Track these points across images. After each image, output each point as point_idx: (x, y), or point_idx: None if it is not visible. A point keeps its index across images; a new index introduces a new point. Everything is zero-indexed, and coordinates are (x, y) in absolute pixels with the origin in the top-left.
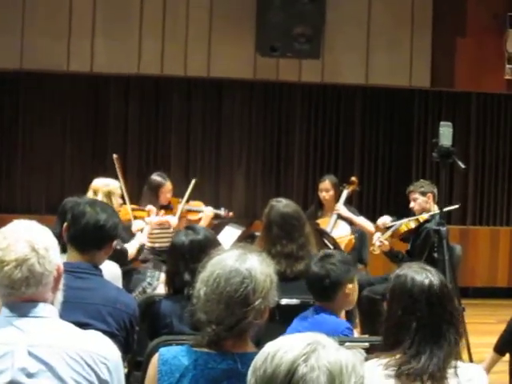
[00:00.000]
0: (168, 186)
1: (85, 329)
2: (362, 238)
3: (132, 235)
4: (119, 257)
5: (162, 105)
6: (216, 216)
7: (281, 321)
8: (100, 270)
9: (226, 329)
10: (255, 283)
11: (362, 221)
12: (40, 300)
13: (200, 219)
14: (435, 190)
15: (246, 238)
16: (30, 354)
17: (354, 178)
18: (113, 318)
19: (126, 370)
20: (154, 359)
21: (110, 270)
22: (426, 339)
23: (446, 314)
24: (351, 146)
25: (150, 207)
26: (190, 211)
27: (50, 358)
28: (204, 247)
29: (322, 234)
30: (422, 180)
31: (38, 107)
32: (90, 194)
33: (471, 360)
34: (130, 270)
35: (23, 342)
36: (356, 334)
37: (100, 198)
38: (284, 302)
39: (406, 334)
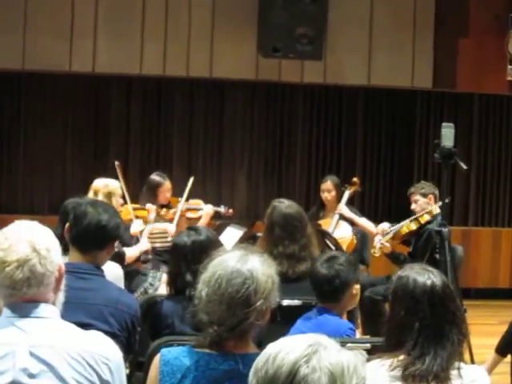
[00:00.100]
0: (167, 185)
1: (86, 329)
2: (363, 238)
3: (132, 236)
4: (116, 259)
5: (164, 105)
6: (216, 213)
7: (282, 322)
8: (102, 271)
9: (228, 329)
10: (257, 284)
11: (363, 222)
12: (41, 300)
13: (200, 217)
14: (436, 192)
15: (248, 239)
16: (31, 354)
17: (355, 179)
18: (115, 319)
19: (127, 371)
20: (156, 360)
21: (112, 271)
22: (428, 340)
23: (449, 314)
24: (353, 146)
25: (149, 205)
26: (189, 209)
27: (52, 359)
28: (206, 248)
29: (323, 235)
30: (422, 181)
31: (39, 107)
32: (90, 195)
33: (473, 361)
34: (132, 270)
35: (25, 343)
36: (358, 334)
37: (100, 198)
38: (286, 302)
39: (408, 334)
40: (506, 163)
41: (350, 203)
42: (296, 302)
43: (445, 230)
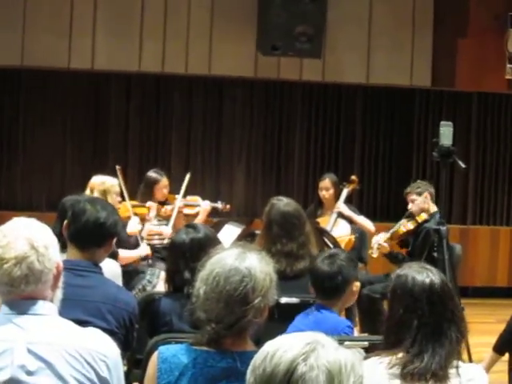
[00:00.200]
0: (164, 182)
1: (84, 326)
2: (361, 237)
3: (131, 236)
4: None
5: (163, 103)
6: (213, 209)
7: (280, 319)
8: (100, 268)
9: (226, 327)
10: (255, 282)
11: (362, 220)
12: (39, 298)
13: (197, 213)
14: (432, 190)
15: (246, 237)
16: (29, 351)
17: (354, 177)
18: (112, 316)
19: (125, 368)
20: (154, 357)
21: (110, 268)
22: (427, 338)
23: (447, 312)
24: (351, 144)
25: (150, 203)
26: (187, 205)
27: (50, 356)
28: (204, 246)
29: (322, 233)
30: (418, 181)
31: (38, 105)
32: (88, 192)
33: (470, 360)
34: (132, 270)
35: (22, 340)
36: (356, 332)
37: (96, 195)
38: (284, 300)
39: (407, 332)
40: (505, 162)
41: (349, 201)
42: (294, 300)
43: (443, 228)
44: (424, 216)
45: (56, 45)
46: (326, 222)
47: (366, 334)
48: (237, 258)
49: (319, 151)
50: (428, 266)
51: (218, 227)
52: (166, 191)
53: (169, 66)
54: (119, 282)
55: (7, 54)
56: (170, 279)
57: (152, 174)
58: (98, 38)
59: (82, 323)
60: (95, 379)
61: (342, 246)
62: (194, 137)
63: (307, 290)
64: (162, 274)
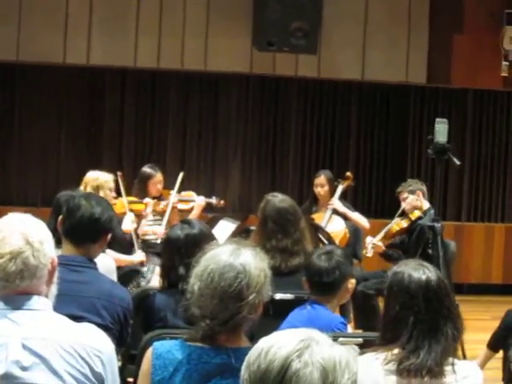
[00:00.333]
0: (158, 177)
1: (79, 322)
2: (356, 233)
3: (125, 233)
4: None
5: (159, 98)
6: (208, 205)
7: (275, 316)
8: (95, 263)
9: (220, 323)
10: (249, 278)
11: (356, 216)
12: (34, 293)
13: (192, 208)
14: (424, 188)
15: (241, 233)
16: (23, 346)
17: (349, 173)
18: (107, 312)
19: (119, 364)
20: (148, 353)
21: (105, 263)
22: (423, 334)
23: (444, 309)
24: (347, 141)
25: (147, 200)
26: (181, 200)
27: (44, 351)
28: (199, 241)
29: (316, 229)
30: (409, 180)
31: (33, 100)
32: (82, 188)
33: (465, 356)
34: (129, 271)
35: (17, 335)
36: (350, 328)
37: (89, 191)
38: (278, 296)
39: (403, 328)
40: (500, 159)
41: (343, 198)
42: (289, 296)
43: (437, 225)
44: (417, 213)
45: (51, 40)
46: (321, 218)
47: (360, 331)
48: (231, 254)
49: (314, 147)
50: (424, 263)
51: (212, 223)
52: (160, 186)
53: (164, 61)
54: (113, 277)
55: (3, 49)
56: (164, 275)
57: (146, 169)
58: (94, 33)
59: (76, 319)
60: (90, 374)
61: (337, 242)
62: (190, 132)
63: (302, 286)
64: (157, 269)
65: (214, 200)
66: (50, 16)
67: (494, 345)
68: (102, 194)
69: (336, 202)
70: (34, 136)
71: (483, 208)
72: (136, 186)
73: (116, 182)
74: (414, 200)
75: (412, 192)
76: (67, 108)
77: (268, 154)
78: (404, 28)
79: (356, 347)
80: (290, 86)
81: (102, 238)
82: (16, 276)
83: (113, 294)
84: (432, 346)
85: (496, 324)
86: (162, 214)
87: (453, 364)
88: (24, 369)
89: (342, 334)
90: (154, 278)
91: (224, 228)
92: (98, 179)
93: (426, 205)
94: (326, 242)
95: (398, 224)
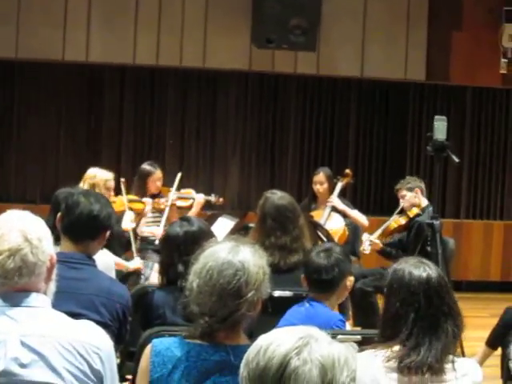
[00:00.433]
0: (157, 174)
1: (77, 319)
2: (355, 230)
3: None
4: None
5: (157, 95)
6: (207, 202)
7: (274, 313)
8: (93, 260)
9: (219, 321)
10: (248, 275)
11: (355, 214)
12: (33, 290)
13: (191, 206)
14: (422, 185)
15: (240, 230)
16: (22, 343)
17: (348, 171)
18: (106, 309)
19: (118, 361)
20: (147, 350)
21: (104, 261)
22: (424, 331)
23: (444, 306)
24: (346, 138)
25: (146, 199)
26: (180, 198)
27: (43, 348)
28: (198, 239)
29: (315, 227)
30: (408, 177)
31: (33, 98)
32: (82, 184)
33: (463, 354)
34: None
35: (16, 332)
36: (348, 326)
37: (85, 188)
38: (277, 294)
39: (403, 325)
40: (498, 156)
41: (342, 195)
42: (287, 293)
43: (436, 222)
44: (415, 211)
45: (50, 37)
46: (320, 215)
47: (359, 328)
48: (230, 251)
49: (313, 144)
50: (425, 261)
51: (211, 220)
52: (159, 184)
53: (163, 58)
54: (112, 274)
55: (1, 47)
56: (163, 272)
57: (146, 166)
58: (93, 30)
59: (75, 316)
60: (88, 371)
61: (336, 239)
62: (188, 129)
63: (301, 283)
64: (156, 266)
65: (212, 197)
66: (48, 13)
67: (492, 342)
68: (97, 191)
69: (335, 200)
70: (33, 133)
71: (482, 205)
72: (135, 183)
73: (117, 182)
74: (413, 197)
75: (410, 189)
76: (66, 105)
77: (267, 151)
78: (403, 25)
79: (355, 344)
80: (288, 83)
81: (100, 235)
82: (14, 273)
83: (112, 291)
84: (432, 342)
85: (494, 321)
86: (161, 211)
87: (453, 361)
88: (22, 366)
89: (340, 331)
90: (152, 275)
91: (223, 225)
92: (95, 177)
93: (424, 202)
94: (324, 239)
95: (396, 221)
